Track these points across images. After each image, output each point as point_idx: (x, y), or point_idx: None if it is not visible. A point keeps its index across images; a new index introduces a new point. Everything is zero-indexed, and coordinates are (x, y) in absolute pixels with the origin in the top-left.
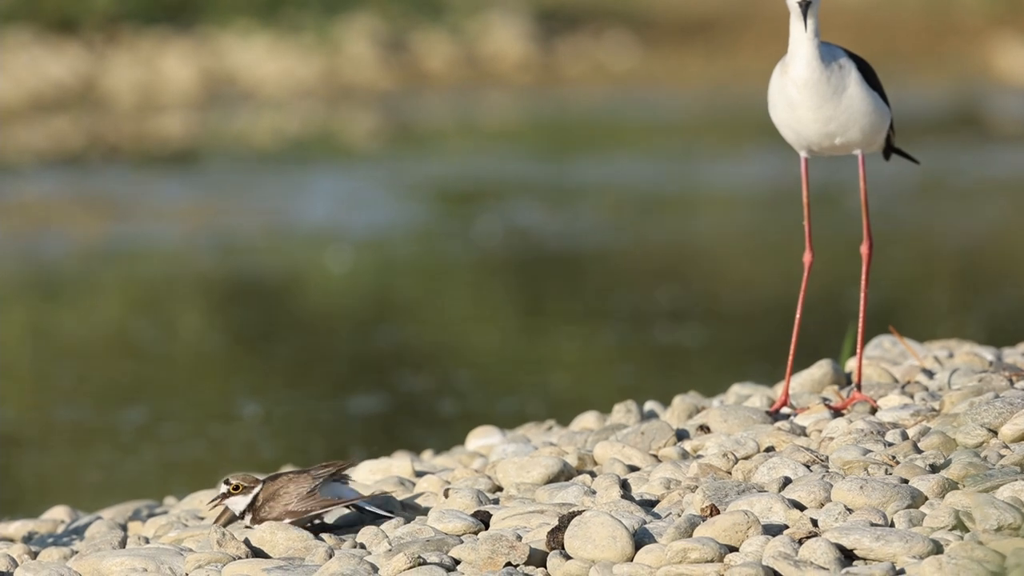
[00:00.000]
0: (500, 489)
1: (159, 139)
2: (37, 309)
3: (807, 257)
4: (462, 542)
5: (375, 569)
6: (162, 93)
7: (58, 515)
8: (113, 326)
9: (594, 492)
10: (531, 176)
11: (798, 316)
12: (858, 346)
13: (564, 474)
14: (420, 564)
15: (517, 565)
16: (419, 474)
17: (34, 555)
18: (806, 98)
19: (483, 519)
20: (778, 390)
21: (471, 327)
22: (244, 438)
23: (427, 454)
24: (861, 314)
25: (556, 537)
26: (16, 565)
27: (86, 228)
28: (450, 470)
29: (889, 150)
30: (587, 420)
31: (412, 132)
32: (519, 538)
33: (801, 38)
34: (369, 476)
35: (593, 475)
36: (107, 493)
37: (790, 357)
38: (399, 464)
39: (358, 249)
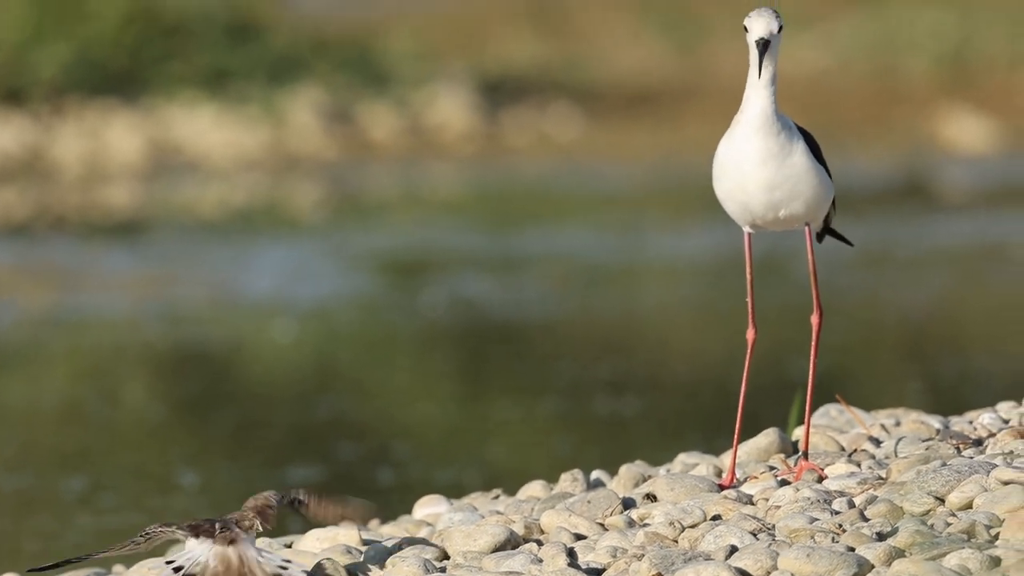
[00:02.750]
0: (447, 557)
1: (106, 209)
2: None
3: (750, 334)
4: None
5: None
6: (108, 163)
7: None
8: (58, 395)
9: (541, 560)
10: (476, 247)
11: (742, 394)
12: (806, 414)
13: (511, 542)
14: None
15: None
16: (366, 543)
17: None
18: (756, 146)
19: None
20: (724, 459)
21: (414, 397)
22: (182, 507)
23: (374, 523)
24: (810, 383)
25: None
26: None
27: (32, 298)
28: (397, 539)
29: (824, 231)
30: (534, 489)
31: (357, 203)
32: None
33: (755, 83)
34: (316, 545)
35: (540, 544)
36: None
37: (735, 435)
38: (346, 533)
39: (303, 320)
